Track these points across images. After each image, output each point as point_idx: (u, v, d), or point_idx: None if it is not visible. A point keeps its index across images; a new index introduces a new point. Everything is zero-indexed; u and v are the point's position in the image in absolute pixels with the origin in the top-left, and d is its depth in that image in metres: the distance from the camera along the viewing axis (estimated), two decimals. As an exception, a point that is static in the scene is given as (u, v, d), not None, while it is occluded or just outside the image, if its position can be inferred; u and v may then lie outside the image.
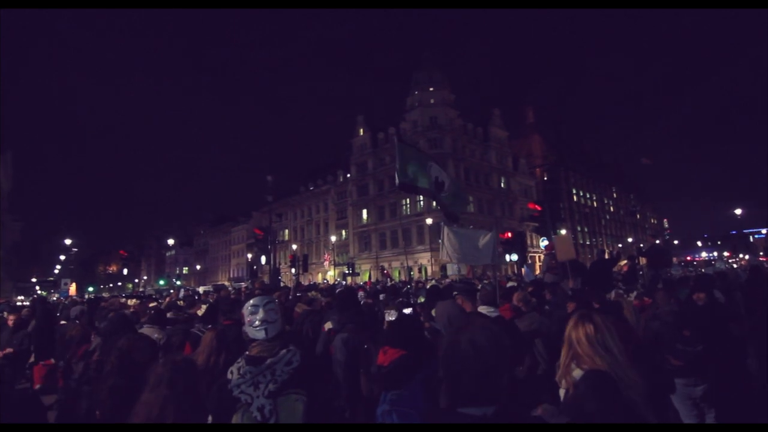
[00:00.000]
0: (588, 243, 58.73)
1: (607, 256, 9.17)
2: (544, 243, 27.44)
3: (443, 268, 35.14)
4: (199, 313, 6.00)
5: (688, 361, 3.35)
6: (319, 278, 48.29)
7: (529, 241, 38.55)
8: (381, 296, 8.54)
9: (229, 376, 1.85)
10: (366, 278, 38.61)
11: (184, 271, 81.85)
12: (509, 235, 19.00)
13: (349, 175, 50.11)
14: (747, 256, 50.39)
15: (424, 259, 39.97)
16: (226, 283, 49.15)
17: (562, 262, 6.36)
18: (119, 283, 79.25)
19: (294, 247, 47.22)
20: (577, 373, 1.74)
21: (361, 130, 49.21)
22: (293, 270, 27.21)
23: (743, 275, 9.13)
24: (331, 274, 44.46)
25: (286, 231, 59.53)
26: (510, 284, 9.64)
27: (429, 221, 36.67)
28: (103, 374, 2.56)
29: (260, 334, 1.94)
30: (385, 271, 38.41)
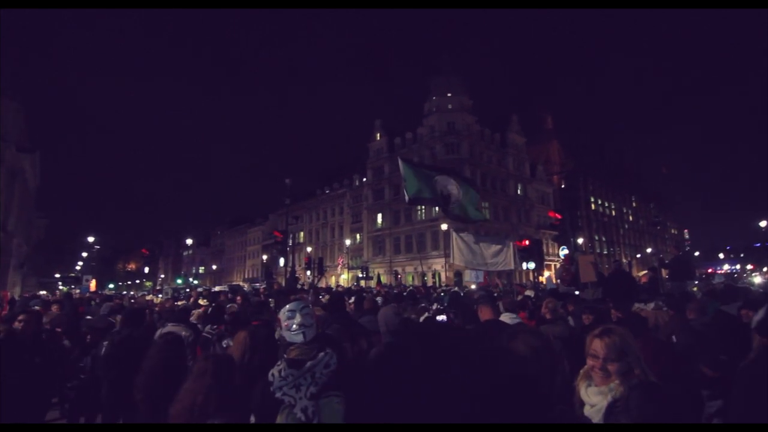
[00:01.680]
0: (605, 252, 57.68)
1: (624, 267, 9.02)
2: (564, 252, 27.08)
3: (457, 274, 34.97)
4: (197, 312, 6.11)
5: (725, 373, 3.29)
6: (333, 282, 48.50)
7: (546, 249, 38.06)
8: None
9: (271, 378, 1.91)
10: (375, 282, 38.64)
11: (201, 271, 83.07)
12: (527, 242, 18.82)
13: (365, 179, 50.31)
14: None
15: (438, 265, 39.79)
16: (242, 284, 49.70)
17: (574, 274, 6.31)
18: (137, 281, 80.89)
19: (309, 249, 47.55)
20: (597, 390, 1.68)
21: (378, 135, 49.42)
22: (308, 272, 27.40)
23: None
24: (344, 278, 44.61)
25: (302, 233, 59.97)
26: (527, 293, 9.56)
27: (444, 227, 36.54)
28: (144, 365, 2.73)
29: (298, 338, 2.01)
30: (399, 276, 38.41)
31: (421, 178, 6.69)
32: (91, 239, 39.46)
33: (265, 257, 49.50)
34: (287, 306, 2.14)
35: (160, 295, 19.40)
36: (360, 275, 36.57)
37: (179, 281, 53.78)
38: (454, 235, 7.58)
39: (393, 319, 3.29)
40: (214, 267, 76.94)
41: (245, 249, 73.47)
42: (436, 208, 42.60)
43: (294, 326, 2.03)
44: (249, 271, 70.98)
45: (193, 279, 57.79)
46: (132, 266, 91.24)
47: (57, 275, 46.49)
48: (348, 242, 46.51)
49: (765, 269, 57.83)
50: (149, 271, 65.32)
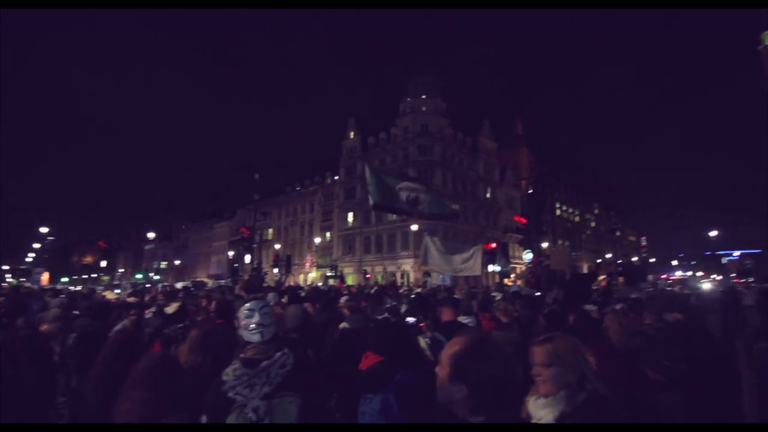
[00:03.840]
0: (573, 254, 59.74)
1: (586, 271, 9.42)
2: (528, 256, 27.83)
3: (426, 275, 35.31)
4: (170, 311, 5.88)
5: (668, 378, 3.44)
6: (301, 280, 47.96)
7: (511, 253, 38.98)
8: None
9: (225, 377, 1.89)
10: (334, 281, 38.47)
11: (162, 266, 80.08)
12: (493, 245, 19.26)
13: (337, 178, 50.01)
14: (720, 277, 51.89)
15: (408, 265, 40.05)
16: (206, 280, 48.34)
17: (539, 277, 6.51)
18: (94, 275, 77.23)
19: (277, 246, 46.78)
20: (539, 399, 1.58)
21: (352, 133, 49.24)
22: (275, 270, 26.97)
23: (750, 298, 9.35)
24: (313, 276, 44.19)
25: (270, 230, 58.94)
26: (493, 294, 9.75)
27: (414, 227, 36.76)
28: (95, 365, 2.59)
29: (255, 337, 2.00)
30: (368, 275, 38.41)
31: (385, 187, 6.83)
32: (44, 230, 37.36)
33: (231, 254, 48.27)
34: (246, 305, 2.12)
35: (117, 291, 18.60)
36: (329, 274, 36.33)
37: (139, 276, 51.70)
38: (426, 238, 7.66)
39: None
40: (177, 262, 74.46)
41: (211, 245, 71.56)
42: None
43: (252, 325, 2.01)
44: (214, 267, 69.18)
45: (154, 274, 55.65)
46: (88, 259, 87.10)
47: (5, 267, 43.80)
48: (318, 240, 46.09)
49: (713, 276, 61.42)
50: (107, 264, 62.50)
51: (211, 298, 8.44)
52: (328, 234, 50.01)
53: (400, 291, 14.22)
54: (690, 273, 72.14)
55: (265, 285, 16.78)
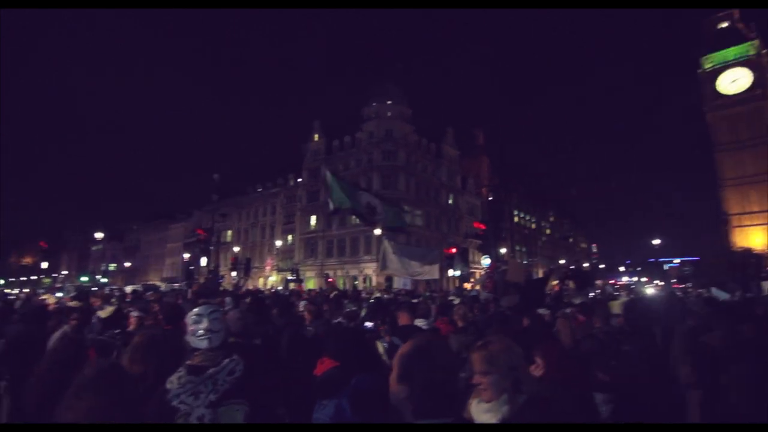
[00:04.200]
0: (525, 262, 61.83)
1: (541, 275, 9.82)
2: (486, 261, 28.53)
3: (388, 279, 35.45)
4: (104, 315, 5.53)
5: (616, 378, 3.61)
6: (261, 283, 46.82)
7: (471, 258, 39.88)
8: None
9: (169, 386, 1.81)
10: (310, 285, 37.95)
11: (111, 268, 75.80)
12: (453, 250, 19.59)
13: (300, 180, 49.34)
14: (662, 283, 55.43)
15: (370, 269, 40.01)
16: (159, 283, 46.20)
17: (496, 282, 6.72)
18: (34, 277, 71.89)
19: (236, 249, 45.40)
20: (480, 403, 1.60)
21: (317, 136, 48.82)
22: (234, 273, 26.16)
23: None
24: (273, 280, 43.24)
25: (229, 232, 57.24)
26: (451, 298, 9.92)
27: (377, 232, 36.84)
28: (36, 373, 2.46)
29: (203, 344, 1.94)
30: (330, 279, 38.05)
31: (346, 191, 6.92)
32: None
33: (186, 256, 46.41)
34: (195, 310, 2.05)
35: (59, 294, 17.38)
36: (290, 277, 35.69)
37: (84, 279, 48.65)
38: (384, 243, 7.73)
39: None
40: (127, 264, 70.66)
41: (165, 246, 68.55)
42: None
43: (200, 331, 1.95)
44: (168, 270, 66.30)
45: (102, 277, 52.53)
46: (28, 260, 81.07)
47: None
48: (279, 243, 45.21)
49: (656, 281, 65.47)
50: (48, 266, 58.37)
51: (163, 302, 8.07)
52: (289, 237, 49.18)
53: (363, 295, 14.23)
54: (636, 279, 76.66)
55: (221, 289, 16.25)
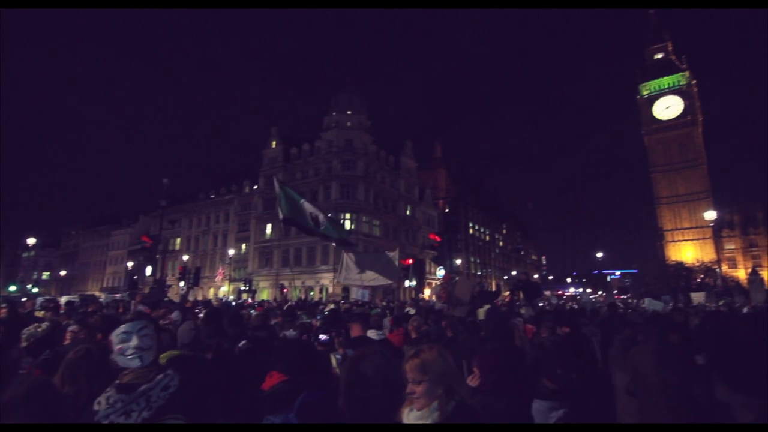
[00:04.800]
0: (479, 273, 63.47)
1: (494, 288, 10.14)
2: (440, 272, 29.04)
3: (345, 289, 35.17)
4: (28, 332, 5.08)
5: (561, 386, 3.76)
6: (211, 294, 44.92)
7: (427, 268, 40.44)
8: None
9: (96, 407, 1.69)
10: (264, 295, 36.87)
11: (44, 277, 70.06)
12: (410, 261, 19.80)
13: (256, 187, 48.15)
14: (604, 293, 58.84)
15: (327, 279, 39.53)
16: (98, 294, 43.19)
17: (449, 293, 6.86)
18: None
19: (185, 258, 43.39)
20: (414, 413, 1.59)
21: (274, 143, 47.97)
22: (182, 283, 24.96)
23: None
24: (224, 290, 41.65)
25: (178, 240, 54.70)
26: (407, 309, 9.97)
27: (333, 240, 36.61)
28: None
29: (134, 363, 1.84)
30: (285, 290, 37.17)
31: (294, 202, 6.86)
32: None
33: (130, 264, 43.75)
34: (121, 327, 1.92)
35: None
36: (242, 288, 34.54)
37: (12, 288, 44.54)
38: (343, 254, 7.69)
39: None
40: (62, 273, 65.58)
41: (107, 254, 64.30)
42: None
43: (129, 350, 1.84)
44: (109, 279, 62.20)
45: (33, 286, 48.33)
46: (-55, 268, 73.11)
47: None
48: (232, 252, 43.68)
49: (600, 292, 69.33)
50: (-30, 274, 52.90)
51: (102, 314, 7.52)
52: (243, 246, 47.68)
53: (321, 306, 14.01)
54: (581, 289, 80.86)
55: (166, 299, 15.44)
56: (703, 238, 59.71)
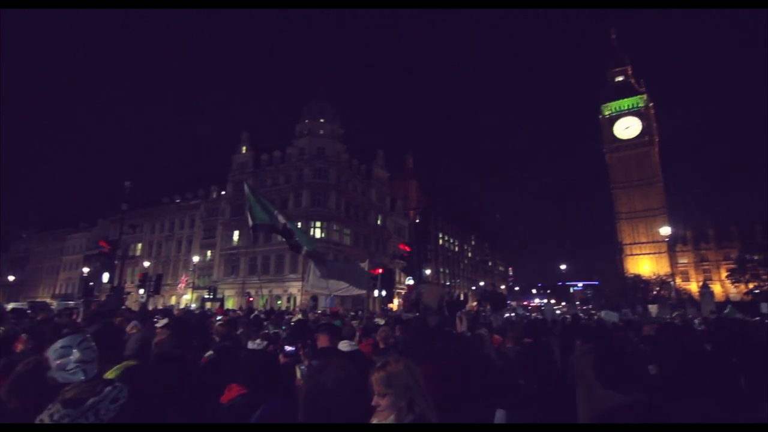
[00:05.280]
0: (448, 283, 64.15)
1: (462, 298, 10.28)
2: (410, 282, 29.16)
3: (314, 299, 34.69)
4: None
5: (523, 396, 3.82)
6: (173, 302, 43.31)
7: (397, 278, 40.51)
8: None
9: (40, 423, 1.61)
10: (230, 304, 35.81)
11: (-10, 282, 65.54)
12: (380, 271, 19.76)
13: (224, 193, 47.05)
14: (567, 304, 60.71)
15: (295, 288, 38.90)
16: (49, 301, 40.81)
17: (413, 302, 6.89)
18: None
19: (146, 264, 41.71)
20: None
21: (244, 148, 47.18)
22: (141, 291, 23.93)
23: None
24: (187, 298, 40.24)
25: (139, 245, 52.58)
26: (377, 320, 9.93)
27: (304, 250, 36.13)
28: None
29: (77, 377, 1.79)
30: (251, 298, 36.24)
31: (265, 208, 6.78)
32: None
33: (86, 270, 41.57)
34: (59, 342, 1.86)
35: None
36: (207, 296, 33.47)
37: (-48, 295, 41.42)
38: (311, 262, 7.60)
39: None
40: (10, 278, 61.53)
41: (60, 258, 60.95)
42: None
43: (71, 365, 1.78)
44: (62, 285, 58.91)
45: (-24, 292, 45.13)
46: None
47: None
48: (196, 259, 42.36)
49: (563, 303, 71.43)
50: None
51: (54, 323, 7.08)
52: (209, 252, 46.33)
53: (287, 316, 13.70)
54: (546, 300, 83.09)
55: (124, 307, 14.74)
56: (659, 252, 62.76)
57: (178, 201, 51.75)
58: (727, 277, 49.79)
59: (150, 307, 19.05)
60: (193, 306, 34.78)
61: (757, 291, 39.38)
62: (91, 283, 23.56)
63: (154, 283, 22.31)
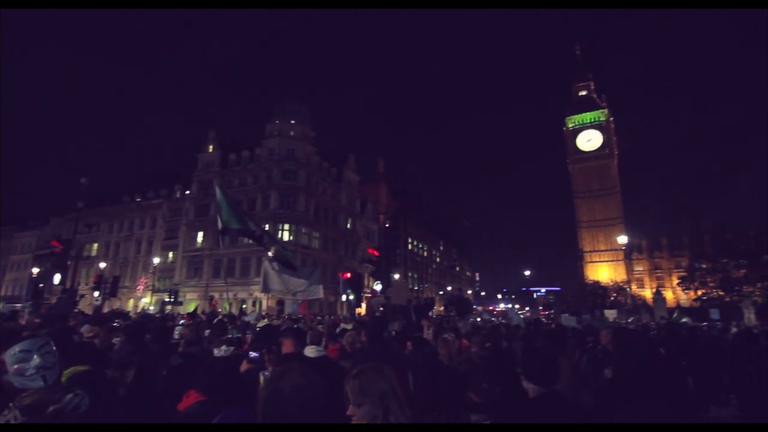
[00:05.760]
0: (416, 288, 64.60)
1: (423, 303, 10.39)
2: (378, 287, 29.16)
3: (280, 303, 34.06)
4: None
5: (487, 400, 3.87)
6: (130, 305, 41.47)
7: (366, 283, 40.42)
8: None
9: None
10: (191, 307, 34.60)
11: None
12: (349, 275, 19.65)
13: (188, 192, 45.57)
14: (530, 310, 62.41)
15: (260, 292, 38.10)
16: (-8, 303, 38.13)
17: (370, 306, 6.91)
18: None
19: (103, 265, 39.69)
20: None
21: (212, 147, 45.93)
22: (96, 293, 22.76)
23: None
24: (146, 301, 38.59)
25: (95, 245, 50.09)
26: (342, 325, 9.84)
27: (271, 253, 35.49)
28: None
29: (36, 383, 1.74)
30: (214, 302, 35.16)
31: (236, 211, 6.58)
32: None
33: (35, 271, 39.12)
34: (17, 346, 1.79)
35: None
36: (167, 299, 32.19)
37: None
38: (266, 263, 7.47)
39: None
40: (-51, 279, 57.16)
41: (8, 258, 57.14)
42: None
43: (30, 370, 1.73)
44: (8, 287, 55.28)
45: None
46: None
47: None
48: (157, 260, 40.73)
49: (527, 308, 73.41)
50: None
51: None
52: (171, 254, 44.67)
53: (242, 318, 13.34)
54: (510, 305, 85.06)
55: (77, 310, 13.96)
56: (617, 260, 65.62)
57: (139, 200, 49.72)
58: (678, 284, 52.60)
59: (105, 310, 18.15)
60: (152, 309, 33.43)
61: (704, 298, 41.82)
62: (41, 285, 22.23)
63: (111, 285, 21.30)
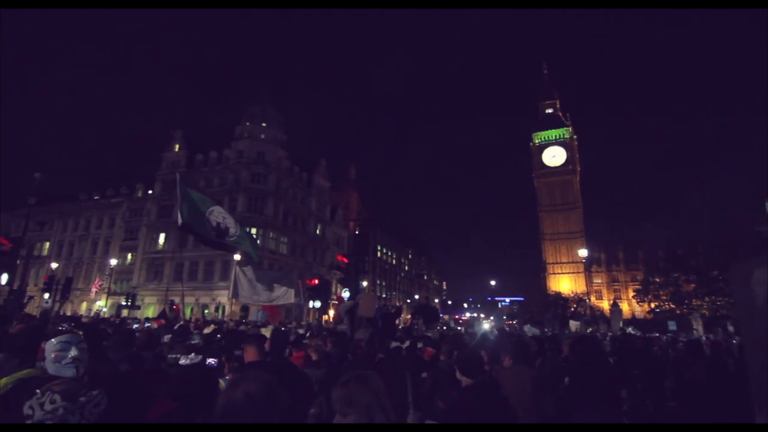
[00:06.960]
0: (384, 296, 64.61)
1: (393, 311, 10.45)
2: (346, 294, 28.99)
3: (244, 308, 33.23)
4: None
5: (453, 406, 3.94)
6: (83, 308, 39.40)
7: (334, 289, 40.09)
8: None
9: (29, 411, 1.53)
10: (149, 312, 33.19)
11: None
12: (316, 281, 19.49)
13: (151, 192, 43.95)
14: (495, 319, 63.63)
15: (224, 297, 37.01)
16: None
17: (339, 313, 6.92)
18: None
19: (54, 266, 37.52)
20: None
21: (177, 146, 44.57)
22: (47, 295, 21.48)
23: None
24: (100, 304, 36.72)
25: (47, 244, 47.39)
26: (298, 330, 9.73)
27: (237, 257, 34.69)
28: None
29: (69, 372, 1.96)
30: (174, 306, 33.86)
31: (196, 209, 6.29)
32: None
33: (-22, 270, 36.48)
34: (60, 337, 2.05)
35: None
36: (124, 303, 30.76)
37: None
38: (237, 269, 7.34)
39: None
40: None
41: (-54, 256, 53.09)
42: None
43: (67, 359, 1.98)
44: (-54, 286, 51.19)
45: None
46: None
47: None
48: (114, 262, 38.88)
49: (491, 317, 74.81)
50: None
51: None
52: (129, 256, 42.83)
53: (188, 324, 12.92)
54: (476, 314, 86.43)
55: (23, 313, 13.13)
56: (577, 272, 68.10)
57: (97, 198, 47.51)
58: (633, 296, 55.07)
59: (54, 313, 17.14)
60: (105, 310, 31.91)
61: (657, 310, 43.96)
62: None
63: (63, 287, 20.17)
